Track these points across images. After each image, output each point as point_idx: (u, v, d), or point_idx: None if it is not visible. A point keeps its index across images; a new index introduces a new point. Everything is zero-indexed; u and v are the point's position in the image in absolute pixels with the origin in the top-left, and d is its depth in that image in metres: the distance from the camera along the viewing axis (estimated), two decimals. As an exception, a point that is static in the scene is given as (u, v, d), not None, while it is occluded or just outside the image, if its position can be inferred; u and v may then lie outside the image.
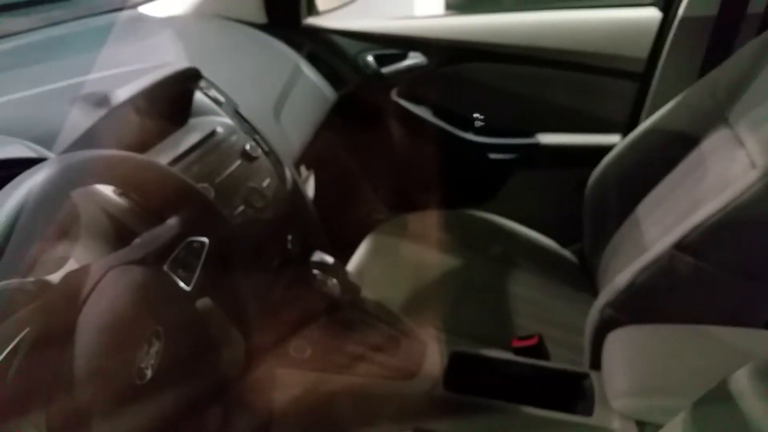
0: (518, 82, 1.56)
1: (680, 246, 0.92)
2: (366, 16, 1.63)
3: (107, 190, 0.73)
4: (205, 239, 0.66)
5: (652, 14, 1.44)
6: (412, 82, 1.59)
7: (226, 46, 1.37)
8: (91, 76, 0.95)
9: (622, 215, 1.28)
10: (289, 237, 0.99)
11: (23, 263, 0.50)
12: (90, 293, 0.57)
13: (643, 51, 1.45)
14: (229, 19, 1.48)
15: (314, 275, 0.94)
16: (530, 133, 1.61)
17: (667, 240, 0.95)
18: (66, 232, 0.65)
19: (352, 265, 1.33)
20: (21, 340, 0.50)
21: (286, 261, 0.97)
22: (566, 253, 1.51)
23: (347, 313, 0.97)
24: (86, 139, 0.71)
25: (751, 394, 0.64)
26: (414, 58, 1.56)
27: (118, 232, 0.69)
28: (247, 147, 0.94)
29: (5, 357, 0.48)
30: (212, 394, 0.68)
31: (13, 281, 0.49)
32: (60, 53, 1.16)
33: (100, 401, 0.53)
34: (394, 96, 1.59)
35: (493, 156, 1.62)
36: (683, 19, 1.37)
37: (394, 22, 1.58)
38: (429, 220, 1.49)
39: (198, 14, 1.47)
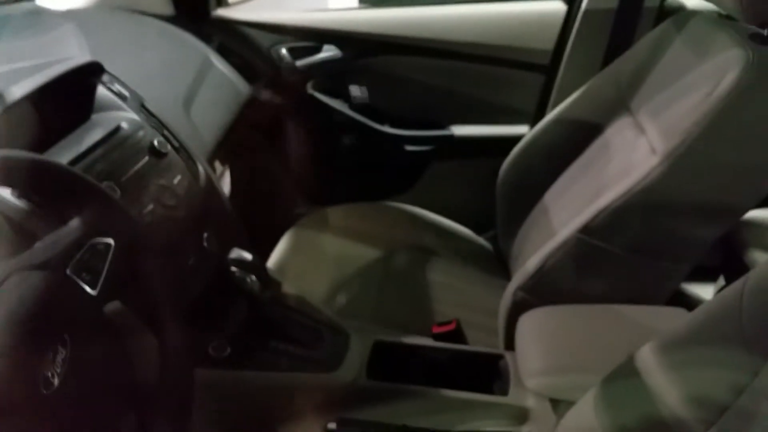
0: (431, 74, 1.59)
1: (586, 230, 0.97)
2: (277, 9, 1.60)
3: (4, 192, 0.69)
4: (110, 240, 0.63)
5: (557, 7, 1.50)
6: (328, 75, 1.59)
7: (131, 38, 1.32)
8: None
9: (531, 202, 1.33)
10: (205, 235, 0.97)
11: None
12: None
13: (549, 43, 1.51)
14: (133, 11, 1.42)
15: (233, 272, 0.93)
16: (444, 125, 1.64)
17: (573, 224, 1.00)
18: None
19: (272, 261, 1.32)
20: None
21: (203, 259, 0.95)
22: (481, 240, 1.56)
23: (268, 309, 0.96)
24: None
25: (655, 368, 0.68)
26: (328, 51, 1.55)
27: (18, 236, 0.66)
28: (155, 143, 0.91)
29: None
30: (126, 400, 0.66)
31: None
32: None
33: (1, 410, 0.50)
34: (309, 89, 1.58)
35: (409, 148, 1.64)
36: (586, 12, 1.44)
37: (307, 15, 1.57)
38: (348, 213, 1.50)
39: (100, 6, 1.40)
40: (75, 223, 0.63)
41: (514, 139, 1.38)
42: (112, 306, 0.65)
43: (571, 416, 0.78)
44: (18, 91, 0.77)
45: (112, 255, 0.63)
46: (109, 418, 0.65)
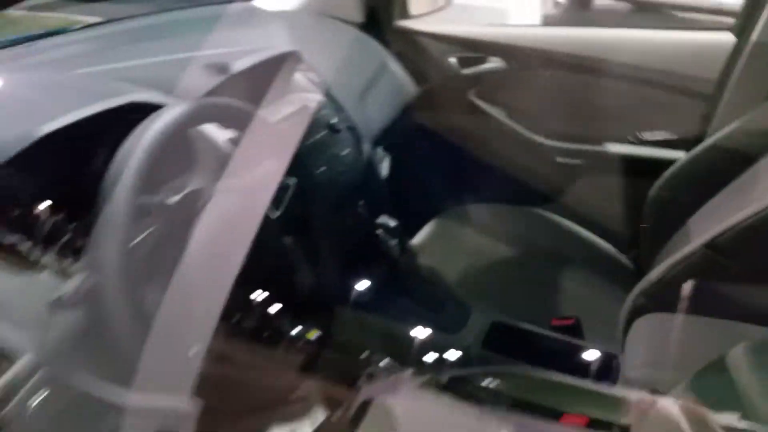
0: (590, 91, 1.65)
1: (712, 245, 1.00)
2: (452, 22, 1.77)
3: (214, 127, 0.89)
4: (292, 179, 0.82)
5: (726, 38, 1.50)
6: (490, 85, 1.72)
7: (326, 38, 1.55)
8: (209, 51, 1.15)
9: (677, 225, 1.35)
10: (361, 202, 1.15)
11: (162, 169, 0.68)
12: (202, 209, 0.74)
13: (713, 72, 1.51)
14: (331, 16, 1.67)
15: (378, 234, 1.09)
16: (598, 141, 1.69)
17: (702, 238, 1.03)
18: (185, 165, 0.83)
19: (414, 240, 1.47)
20: (148, 233, 0.69)
21: (356, 220, 1.12)
22: (622, 257, 1.58)
23: (403, 271, 1.11)
24: (211, 94, 0.90)
25: (744, 366, 0.73)
26: (493, 63, 1.69)
27: (220, 162, 0.86)
28: (333, 121, 1.11)
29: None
30: (284, 297, 0.84)
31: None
32: (181, 32, 1.37)
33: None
34: (471, 96, 1.73)
35: (560, 159, 1.71)
36: (756, 44, 1.42)
37: (477, 29, 1.72)
38: (492, 212, 1.61)
39: (304, 10, 1.66)
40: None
41: (667, 162, 1.41)
42: (285, 231, 0.84)
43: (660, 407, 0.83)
44: (238, 65, 0.99)
45: (291, 192, 0.82)
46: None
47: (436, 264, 1.28)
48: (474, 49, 1.69)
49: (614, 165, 1.68)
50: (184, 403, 0.71)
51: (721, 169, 1.28)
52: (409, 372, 1.01)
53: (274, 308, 0.82)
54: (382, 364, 0.98)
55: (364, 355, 1.02)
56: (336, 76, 1.30)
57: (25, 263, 0.72)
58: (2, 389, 0.64)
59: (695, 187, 1.32)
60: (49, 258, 0.72)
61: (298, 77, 1.16)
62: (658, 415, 0.85)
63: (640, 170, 1.59)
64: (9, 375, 0.65)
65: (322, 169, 1.03)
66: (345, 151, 1.10)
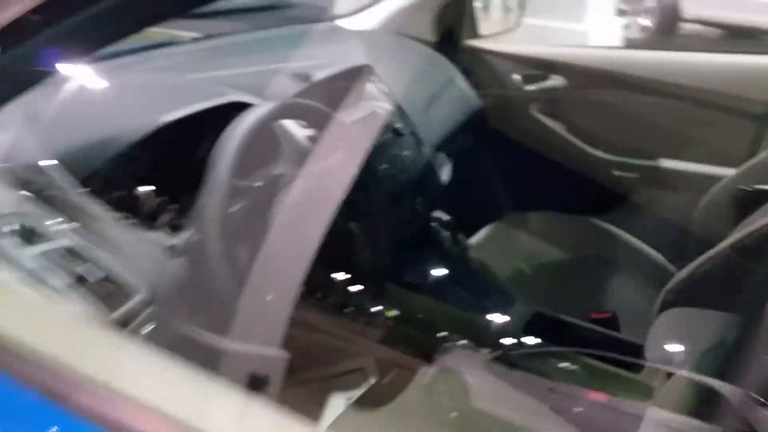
0: (647, 110, 1.74)
1: (737, 246, 1.08)
2: (520, 42, 1.91)
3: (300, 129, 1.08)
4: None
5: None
6: (551, 101, 1.84)
7: (399, 55, 1.73)
8: (295, 64, 1.34)
9: (722, 238, 1.42)
10: (418, 199, 1.30)
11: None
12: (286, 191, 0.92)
13: (765, 94, 1.57)
14: (406, 35, 1.85)
15: (432, 226, 1.24)
16: (653, 156, 1.77)
17: (729, 240, 1.11)
18: (271, 154, 1.01)
19: (471, 241, 1.61)
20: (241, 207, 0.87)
21: (413, 214, 1.28)
22: (671, 267, 1.65)
23: (453, 259, 1.26)
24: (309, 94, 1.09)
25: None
26: (555, 80, 1.81)
27: (304, 156, 1.04)
28: (397, 126, 1.27)
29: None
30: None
31: None
32: (273, 47, 1.59)
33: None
34: (533, 110, 1.85)
35: (616, 173, 1.81)
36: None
37: (541, 48, 1.85)
38: (547, 220, 1.72)
39: (382, 29, 1.85)
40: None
41: (717, 178, 1.48)
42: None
43: (670, 384, 0.93)
44: (319, 75, 1.18)
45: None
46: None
47: (486, 260, 1.41)
48: (537, 67, 1.82)
49: (667, 179, 1.75)
50: (274, 352, 0.86)
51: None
52: (479, 349, 1.14)
53: (353, 287, 0.99)
54: (453, 341, 1.12)
55: (436, 333, 1.15)
56: (404, 88, 1.46)
57: (144, 223, 0.93)
58: (121, 316, 0.83)
59: (740, 204, 1.39)
60: (163, 219, 0.92)
61: (370, 87, 1.33)
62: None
63: (692, 184, 1.65)
64: (126, 306, 0.84)
65: (384, 166, 1.19)
66: (406, 153, 1.26)
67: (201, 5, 1.04)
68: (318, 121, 1.00)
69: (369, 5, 1.84)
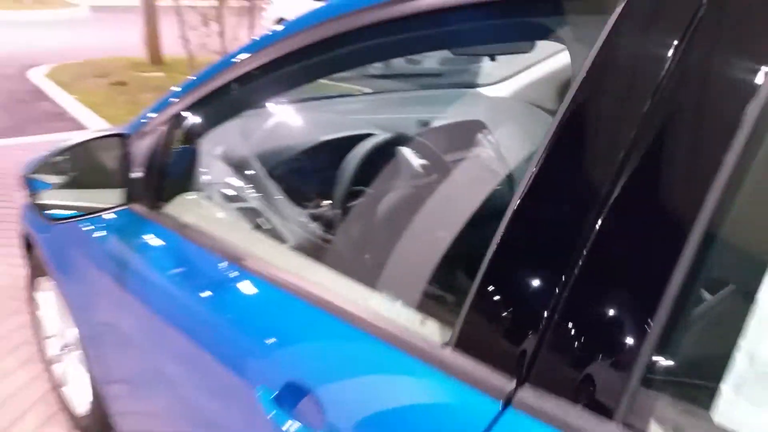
0: None
1: None
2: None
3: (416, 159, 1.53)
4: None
5: None
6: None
7: (520, 117, 2.13)
8: (428, 115, 1.82)
9: None
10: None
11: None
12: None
13: None
14: (534, 104, 2.24)
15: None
16: None
17: None
18: (392, 170, 1.47)
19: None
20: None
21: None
22: None
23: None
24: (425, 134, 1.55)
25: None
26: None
27: (415, 176, 1.49)
28: (495, 168, 1.67)
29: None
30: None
31: None
32: (419, 103, 2.09)
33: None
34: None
35: None
36: None
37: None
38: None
39: (513, 98, 2.26)
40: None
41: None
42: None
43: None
44: (433, 123, 1.63)
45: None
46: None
47: None
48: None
49: None
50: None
51: None
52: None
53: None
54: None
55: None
56: (515, 144, 1.86)
57: (301, 198, 1.44)
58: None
59: None
60: (313, 197, 1.43)
61: (480, 137, 1.76)
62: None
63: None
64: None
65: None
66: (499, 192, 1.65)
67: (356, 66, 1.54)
68: (426, 153, 1.44)
69: (505, 78, 2.28)
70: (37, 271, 1.99)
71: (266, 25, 11.19)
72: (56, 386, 2.12)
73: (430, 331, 0.75)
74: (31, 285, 2.12)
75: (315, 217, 1.37)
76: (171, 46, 8.66)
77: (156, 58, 8.80)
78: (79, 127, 5.72)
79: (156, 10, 8.66)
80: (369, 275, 0.99)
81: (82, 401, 1.92)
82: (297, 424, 0.79)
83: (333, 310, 0.83)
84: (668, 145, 0.56)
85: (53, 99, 6.83)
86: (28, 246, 2.02)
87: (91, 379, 1.76)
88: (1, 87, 7.42)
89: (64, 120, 6.04)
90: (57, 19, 16.45)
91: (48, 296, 2.01)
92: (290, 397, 0.81)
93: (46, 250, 1.76)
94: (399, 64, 3.03)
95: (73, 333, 1.85)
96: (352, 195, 1.36)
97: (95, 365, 1.62)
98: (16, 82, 7.79)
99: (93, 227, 1.38)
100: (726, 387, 0.51)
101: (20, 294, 2.82)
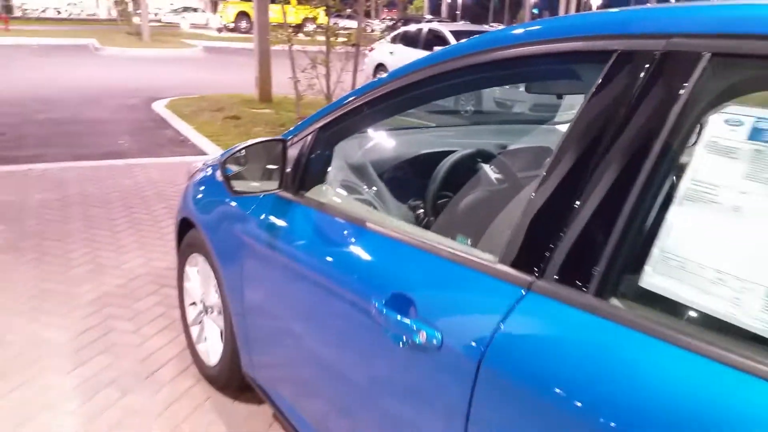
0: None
1: None
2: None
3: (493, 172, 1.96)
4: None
5: None
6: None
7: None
8: (499, 141, 2.26)
9: None
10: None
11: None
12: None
13: None
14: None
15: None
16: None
17: None
18: (473, 180, 1.91)
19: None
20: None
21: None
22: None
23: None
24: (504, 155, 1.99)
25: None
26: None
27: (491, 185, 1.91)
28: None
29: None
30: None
31: None
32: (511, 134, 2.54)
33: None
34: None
35: None
36: None
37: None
38: None
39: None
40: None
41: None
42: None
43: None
44: (512, 146, 2.05)
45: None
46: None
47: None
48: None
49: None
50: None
51: None
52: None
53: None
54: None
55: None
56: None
57: (401, 196, 1.89)
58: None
59: None
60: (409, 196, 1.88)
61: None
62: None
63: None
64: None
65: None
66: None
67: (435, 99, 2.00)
68: (502, 168, 1.87)
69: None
70: (191, 249, 2.51)
71: (367, 70, 11.96)
72: (191, 344, 2.63)
73: (485, 255, 1.20)
74: (185, 260, 2.64)
75: (411, 208, 1.84)
76: (277, 86, 9.54)
77: (265, 96, 9.69)
78: (200, 152, 6.52)
79: (269, 53, 9.55)
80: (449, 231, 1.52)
81: (213, 356, 2.40)
82: (400, 317, 1.23)
83: (421, 247, 1.32)
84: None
85: (175, 127, 7.77)
86: (182, 228, 2.55)
87: (225, 336, 2.23)
88: (130, 116, 8.48)
89: (186, 146, 6.90)
90: (175, 56, 18.20)
91: (195, 270, 2.53)
92: (395, 302, 1.25)
93: (206, 227, 2.26)
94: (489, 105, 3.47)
95: (212, 299, 2.34)
96: (441, 192, 1.82)
97: (240, 321, 2.08)
98: (141, 112, 8.86)
99: (254, 206, 1.89)
100: (648, 267, 0.93)
101: (157, 280, 3.42)
